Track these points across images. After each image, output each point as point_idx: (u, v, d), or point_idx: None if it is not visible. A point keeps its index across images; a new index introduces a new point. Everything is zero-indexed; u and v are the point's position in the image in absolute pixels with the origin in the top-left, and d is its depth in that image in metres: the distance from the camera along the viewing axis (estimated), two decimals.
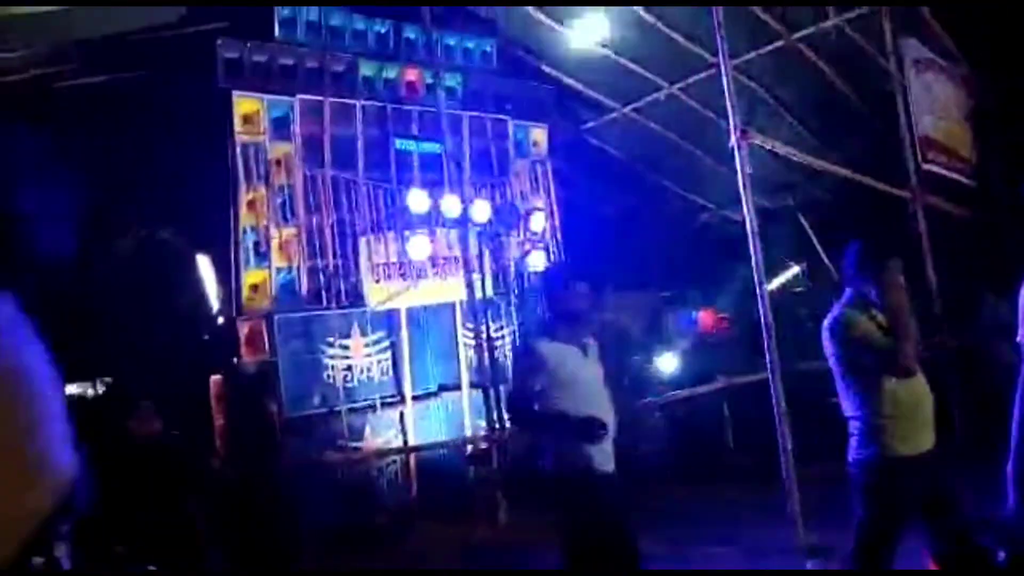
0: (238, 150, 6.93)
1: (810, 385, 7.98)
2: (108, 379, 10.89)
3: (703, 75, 9.02)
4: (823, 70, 8.76)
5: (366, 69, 7.73)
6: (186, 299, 9.29)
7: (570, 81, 9.32)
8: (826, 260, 11.20)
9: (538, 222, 8.17)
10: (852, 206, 9.78)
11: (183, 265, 9.37)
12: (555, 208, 8.89)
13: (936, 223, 7.58)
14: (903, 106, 7.66)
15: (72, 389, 10.90)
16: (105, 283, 9.42)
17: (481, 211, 7.57)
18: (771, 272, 10.88)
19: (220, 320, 8.62)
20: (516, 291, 8.31)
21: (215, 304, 8.74)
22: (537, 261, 8.27)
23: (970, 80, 8.71)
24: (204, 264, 8.91)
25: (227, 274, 7.23)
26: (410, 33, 7.89)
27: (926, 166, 7.65)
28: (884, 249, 3.15)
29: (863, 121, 9.27)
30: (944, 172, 7.98)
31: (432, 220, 7.36)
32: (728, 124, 5.53)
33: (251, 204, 6.92)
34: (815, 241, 11.17)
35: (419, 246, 7.10)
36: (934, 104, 8.14)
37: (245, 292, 6.85)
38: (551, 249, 8.50)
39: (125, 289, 9.78)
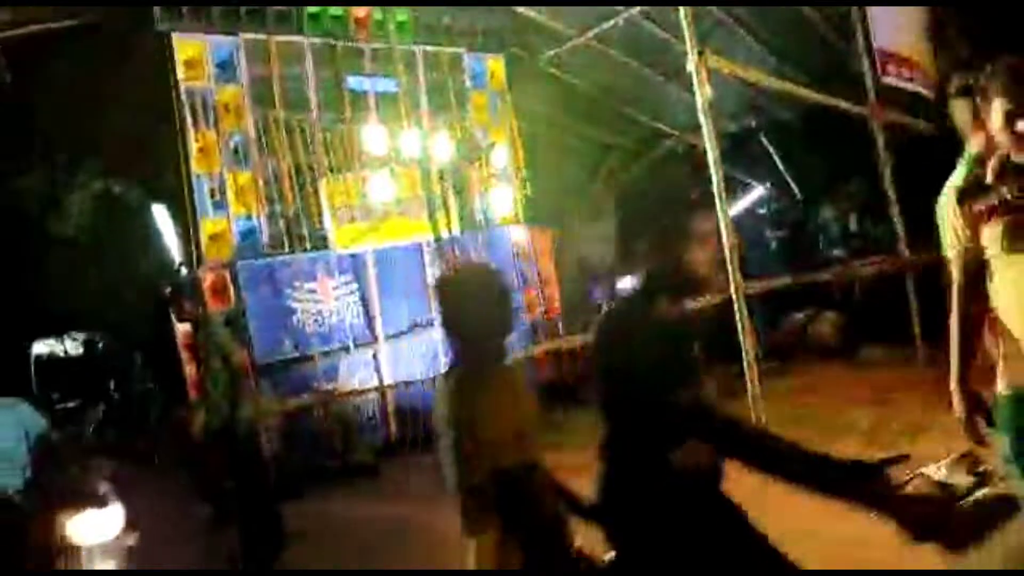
0: (183, 96, 6.71)
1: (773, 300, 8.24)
2: (79, 334, 10.81)
3: None
4: None
5: (311, 5, 7.47)
6: (145, 252, 9.18)
7: (526, 10, 9.08)
8: (790, 181, 11.30)
9: (500, 156, 8.09)
10: (814, 125, 9.83)
11: (139, 219, 9.20)
12: (518, 141, 8.78)
13: (897, 138, 7.63)
14: (861, 22, 7.60)
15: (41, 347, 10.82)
16: (60, 239, 9.24)
17: (441, 147, 7.47)
18: (735, 194, 10.98)
19: (183, 271, 8.54)
20: (482, 226, 8.29)
21: (176, 256, 8.64)
22: (501, 196, 8.23)
23: None
24: (161, 215, 8.76)
25: (185, 224, 7.10)
26: None
27: (885, 79, 7.63)
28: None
29: (824, 38, 9.21)
30: (904, 85, 7.97)
31: (392, 159, 7.25)
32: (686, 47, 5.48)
33: (202, 151, 6.74)
34: (778, 162, 11.24)
35: (380, 186, 7.02)
36: (894, 17, 8.07)
37: (205, 241, 6.74)
38: (515, 182, 8.43)
39: (81, 245, 9.63)
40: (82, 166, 9.00)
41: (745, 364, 5.25)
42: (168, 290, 5.21)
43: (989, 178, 2.20)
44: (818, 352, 7.95)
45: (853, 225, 9.01)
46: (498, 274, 2.03)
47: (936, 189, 2.43)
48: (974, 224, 2.20)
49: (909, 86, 8.11)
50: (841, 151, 9.38)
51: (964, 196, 2.24)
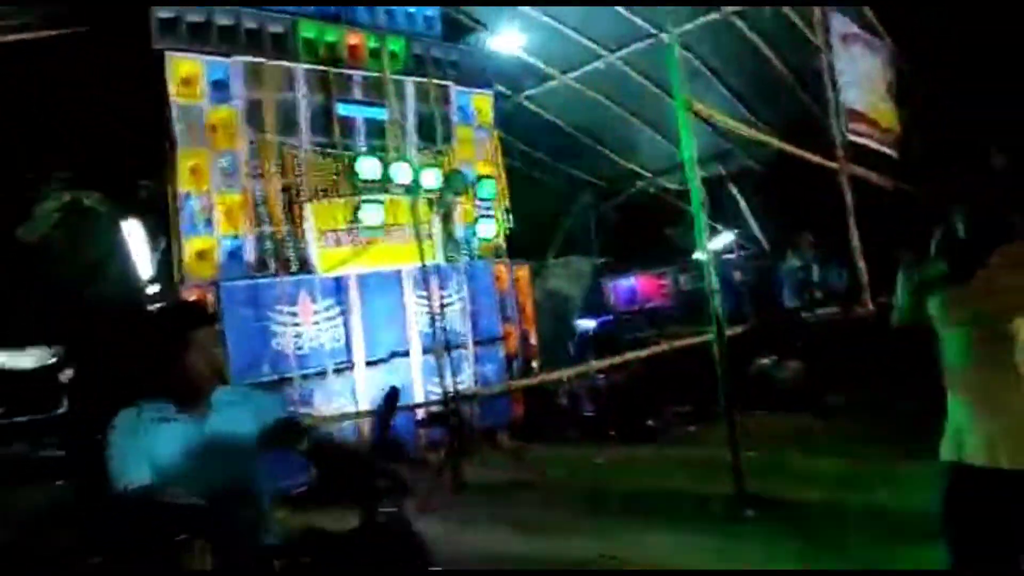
0: (175, 113, 6.68)
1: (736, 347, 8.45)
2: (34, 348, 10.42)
3: (642, 44, 9.22)
4: (755, 43, 9.07)
5: (307, 31, 7.54)
6: (113, 266, 8.96)
7: (511, 49, 9.33)
8: (755, 228, 11.72)
9: (487, 189, 8.24)
10: (780, 175, 10.25)
11: (111, 231, 9.01)
12: (502, 174, 8.94)
13: (861, 192, 8.02)
14: (830, 79, 8.03)
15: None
16: (31, 250, 8.97)
17: (430, 178, 7.59)
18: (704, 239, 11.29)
19: (154, 288, 8.36)
20: (467, 257, 8.37)
21: (147, 272, 8.47)
22: (485, 229, 8.35)
23: (895, 55, 9.18)
24: (134, 230, 8.59)
25: (167, 241, 7.01)
26: None
27: (851, 137, 8.07)
28: None
29: (793, 93, 9.68)
30: (868, 143, 8.43)
31: (380, 186, 7.32)
32: (665, 96, 5.75)
33: (192, 170, 6.70)
34: (745, 209, 11.66)
35: (371, 213, 7.08)
36: (860, 77, 8.55)
37: (189, 259, 6.67)
38: (499, 216, 8.57)
39: (46, 255, 9.35)
40: (55, 175, 8.80)
41: (722, 409, 5.40)
42: (157, 307, 5.15)
43: (932, 251, 2.37)
44: (782, 399, 8.10)
45: (816, 274, 9.37)
46: None
47: (895, 241, 2.62)
48: (919, 296, 2.36)
49: (871, 144, 8.59)
50: (806, 201, 9.78)
51: (909, 267, 2.41)
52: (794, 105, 9.75)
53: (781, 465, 5.88)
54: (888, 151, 8.87)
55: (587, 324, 11.00)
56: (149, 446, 2.24)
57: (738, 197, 11.71)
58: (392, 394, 2.33)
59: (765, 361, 8.86)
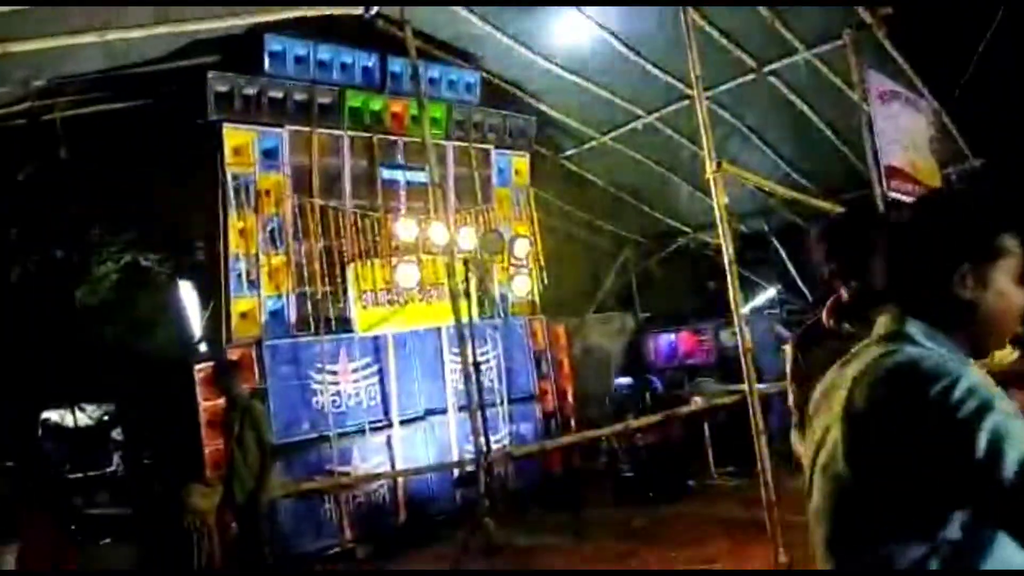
0: (228, 180, 7.06)
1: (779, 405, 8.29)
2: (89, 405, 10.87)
3: (677, 105, 9.36)
4: (793, 101, 9.11)
5: (353, 100, 7.92)
6: (168, 326, 9.37)
7: (550, 111, 9.61)
8: (800, 283, 11.55)
9: (522, 248, 8.38)
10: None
11: (166, 292, 9.46)
12: (537, 234, 9.10)
13: None
14: (868, 136, 7.99)
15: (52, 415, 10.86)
16: (86, 308, 9.47)
17: (467, 238, 7.78)
18: (748, 294, 11.22)
19: (202, 347, 8.70)
20: (501, 316, 8.49)
21: (196, 331, 8.83)
22: (520, 287, 8.48)
23: (935, 113, 9.10)
24: (186, 291, 9.01)
25: (218, 302, 7.33)
26: (396, 66, 8.10)
27: (891, 194, 7.98)
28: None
29: (833, 148, 9.64)
30: (907, 199, 8.31)
31: (419, 247, 7.54)
32: (703, 154, 5.82)
33: (241, 232, 7.04)
34: (789, 265, 11.52)
35: (408, 273, 7.28)
36: (899, 134, 8.49)
37: (235, 319, 6.94)
38: (534, 274, 8.69)
39: (106, 316, 9.84)
40: (116, 239, 9.34)
41: (759, 466, 5.30)
42: (212, 366, 5.38)
43: (825, 319, 2.36)
44: None
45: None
46: None
47: None
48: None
49: (910, 199, 8.46)
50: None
51: (802, 338, 2.45)
52: (834, 160, 9.72)
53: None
54: None
55: (626, 381, 10.91)
56: None
57: (782, 252, 11.59)
58: None
59: None
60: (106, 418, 11.04)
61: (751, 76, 8.71)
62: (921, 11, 7.50)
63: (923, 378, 1.20)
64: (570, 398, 8.88)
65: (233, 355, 6.57)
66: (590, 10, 7.61)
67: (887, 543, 1.22)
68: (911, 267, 1.38)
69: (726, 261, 5.75)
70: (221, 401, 5.84)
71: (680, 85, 8.97)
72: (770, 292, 11.08)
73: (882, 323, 1.42)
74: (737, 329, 5.86)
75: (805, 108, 9.23)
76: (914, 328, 1.34)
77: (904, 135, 8.57)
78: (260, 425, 5.02)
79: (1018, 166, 7.98)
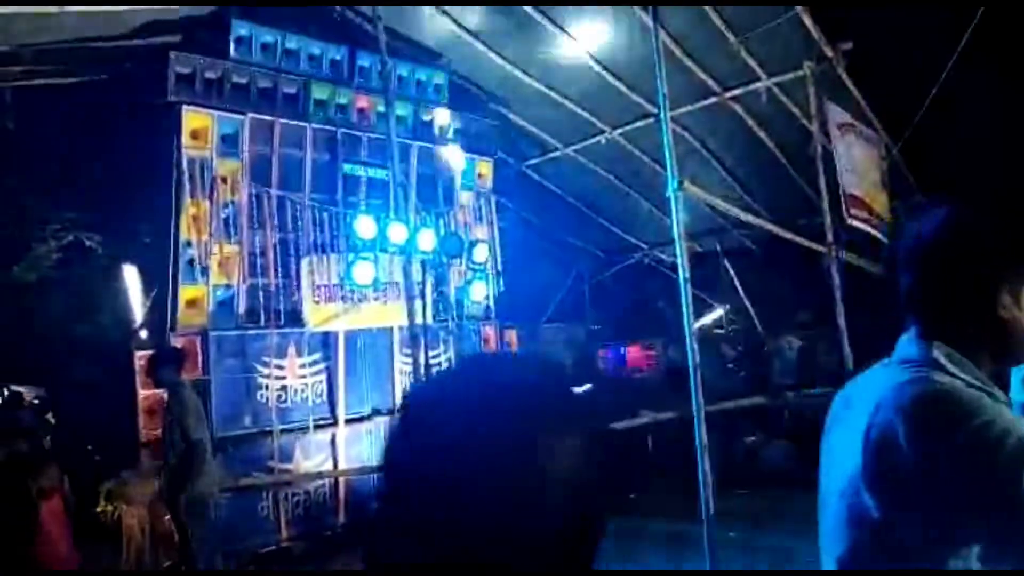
0: (184, 163, 6.87)
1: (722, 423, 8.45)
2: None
3: (642, 123, 9.51)
4: (751, 127, 9.35)
5: (319, 92, 7.81)
6: (107, 310, 9.04)
7: (516, 118, 9.64)
8: (748, 304, 11.82)
9: (481, 253, 8.38)
10: (774, 253, 10.42)
11: (109, 274, 9.12)
12: (497, 239, 9.11)
13: (851, 276, 8.13)
14: (823, 166, 8.23)
15: None
16: (22, 286, 9.07)
17: (426, 239, 7.74)
18: (696, 313, 11.38)
19: (142, 333, 8.41)
20: (455, 319, 8.46)
21: (140, 317, 8.54)
22: (476, 292, 8.46)
23: (887, 147, 9.44)
24: (130, 275, 8.71)
25: (163, 288, 7.11)
26: (364, 61, 8.02)
27: (851, 221, 8.20)
28: None
29: (785, 176, 9.92)
30: (866, 228, 8.58)
31: (377, 245, 7.46)
32: (664, 172, 5.91)
33: (194, 218, 6.86)
34: (738, 285, 11.79)
35: (364, 271, 7.19)
36: (855, 164, 8.77)
37: (181, 307, 6.75)
38: (490, 279, 8.69)
39: (42, 295, 9.45)
40: (59, 215, 8.98)
41: (701, 485, 5.38)
42: (151, 354, 5.21)
43: None
44: (772, 478, 8.05)
45: (803, 354, 9.43)
46: None
47: (881, 324, 2.66)
48: None
49: (868, 228, 8.74)
50: (798, 280, 9.91)
51: None
52: (789, 188, 9.98)
53: (756, 546, 5.81)
54: (882, 237, 9.02)
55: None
56: None
57: (732, 273, 11.85)
58: None
59: (752, 439, 8.83)
60: (36, 401, 10.57)
61: (713, 99, 8.91)
62: (880, 49, 7.76)
63: (956, 413, 1.16)
64: None
65: (177, 344, 6.39)
66: (560, 20, 7.67)
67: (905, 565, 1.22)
68: (950, 287, 1.30)
69: (681, 279, 5.83)
70: (162, 390, 5.66)
71: (645, 103, 9.12)
72: (717, 312, 11.30)
73: (903, 344, 1.36)
74: (687, 346, 5.95)
75: (762, 134, 9.47)
76: (938, 352, 1.28)
77: (859, 165, 8.87)
78: (186, 416, 4.86)
79: (968, 203, 8.28)
